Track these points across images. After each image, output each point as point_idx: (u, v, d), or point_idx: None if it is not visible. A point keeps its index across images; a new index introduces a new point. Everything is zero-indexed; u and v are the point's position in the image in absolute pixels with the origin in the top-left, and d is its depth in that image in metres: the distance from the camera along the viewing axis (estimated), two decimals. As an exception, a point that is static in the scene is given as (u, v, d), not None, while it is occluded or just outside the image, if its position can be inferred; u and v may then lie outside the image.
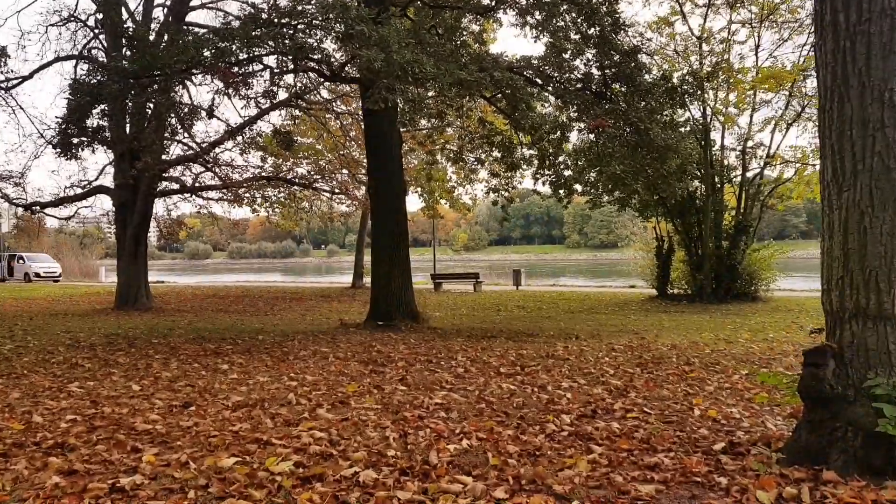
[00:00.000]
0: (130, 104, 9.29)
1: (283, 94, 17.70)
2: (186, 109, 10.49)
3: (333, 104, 22.03)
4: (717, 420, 4.32)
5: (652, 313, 15.00)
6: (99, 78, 8.98)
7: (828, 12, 3.15)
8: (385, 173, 11.68)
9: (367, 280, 18.32)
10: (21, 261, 39.42)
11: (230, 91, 9.11)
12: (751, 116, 17.64)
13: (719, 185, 17.80)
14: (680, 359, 7.16)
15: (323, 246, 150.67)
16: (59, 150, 9.89)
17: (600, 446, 3.68)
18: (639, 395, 5.25)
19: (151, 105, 11.51)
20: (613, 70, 11.12)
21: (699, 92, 10.67)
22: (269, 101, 9.04)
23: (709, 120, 16.27)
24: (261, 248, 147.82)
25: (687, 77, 10.78)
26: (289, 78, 13.52)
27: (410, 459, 3.46)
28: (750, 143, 17.67)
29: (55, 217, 26.00)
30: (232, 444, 3.83)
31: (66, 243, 71.99)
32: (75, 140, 9.60)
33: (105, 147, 15.48)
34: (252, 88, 9.32)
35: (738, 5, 16.84)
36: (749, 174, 17.78)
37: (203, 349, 8.50)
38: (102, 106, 9.59)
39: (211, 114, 11.26)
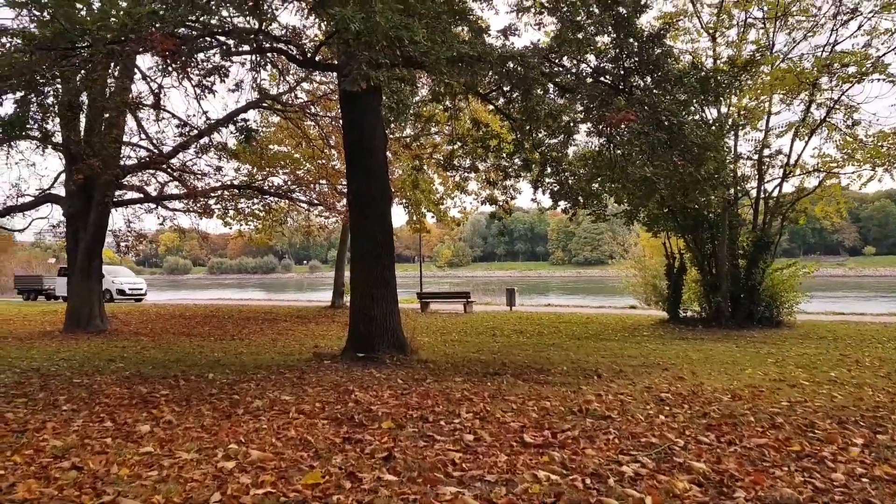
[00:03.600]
0: (45, 87, 7.34)
1: (255, 94, 16.09)
2: (125, 95, 8.64)
3: (312, 107, 20.21)
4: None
5: (669, 341, 13.28)
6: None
7: None
8: (367, 177, 9.88)
9: (348, 299, 16.53)
10: None
11: (172, 67, 7.28)
12: (767, 121, 16.13)
13: (734, 198, 16.23)
14: (758, 416, 5.40)
15: (305, 261, 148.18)
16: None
17: None
18: (748, 494, 3.47)
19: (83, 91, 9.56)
20: (634, 59, 9.47)
21: (736, 83, 9.04)
22: (219, 79, 7.20)
23: (725, 123, 14.71)
24: (241, 263, 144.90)
25: (722, 66, 9.15)
26: (260, 72, 11.78)
27: None
28: (767, 152, 16.13)
29: (4, 228, 23.95)
30: None
31: (37, 257, 69.03)
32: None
33: (40, 144, 13.55)
34: (202, 67, 7.51)
35: (748, 3, 15.40)
36: (768, 186, 16.22)
37: (131, 394, 6.60)
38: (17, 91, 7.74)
39: (157, 104, 9.46)
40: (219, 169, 15.94)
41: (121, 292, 32.99)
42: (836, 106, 14.83)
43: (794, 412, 5.57)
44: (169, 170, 18.56)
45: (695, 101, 8.48)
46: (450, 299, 23.65)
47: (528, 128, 11.13)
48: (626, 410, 5.62)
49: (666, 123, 8.41)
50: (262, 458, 4.11)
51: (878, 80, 13.50)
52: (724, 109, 15.07)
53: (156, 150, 16.16)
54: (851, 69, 13.49)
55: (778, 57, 14.48)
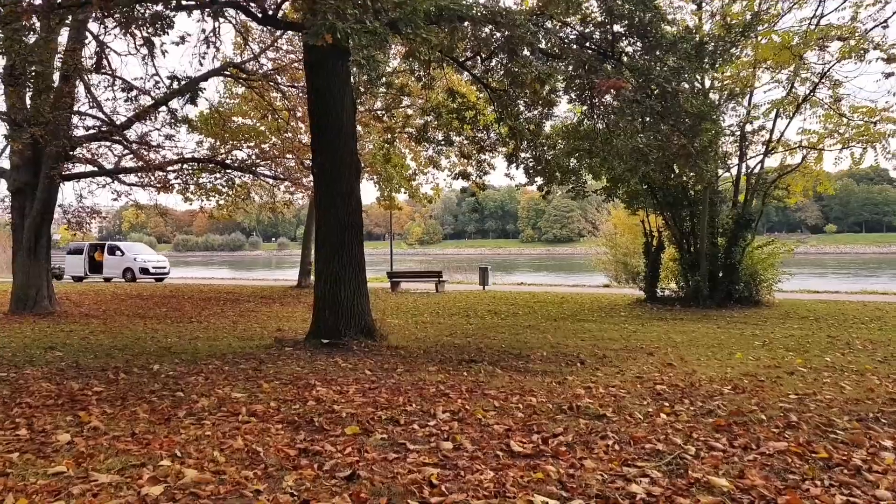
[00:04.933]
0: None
1: (216, 62, 15.04)
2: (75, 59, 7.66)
3: (278, 77, 19.13)
4: None
5: (648, 321, 12.82)
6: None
7: None
8: (333, 147, 9.06)
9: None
10: (118, 253, 30.82)
11: (114, 19, 6.37)
12: (750, 96, 15.63)
13: (716, 174, 15.76)
14: (768, 414, 4.84)
15: (274, 238, 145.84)
16: None
17: None
18: (788, 522, 2.87)
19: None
20: (624, 23, 8.77)
21: (734, 49, 8.42)
22: (163, 31, 6.30)
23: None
24: (208, 240, 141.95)
25: (719, 31, 8.51)
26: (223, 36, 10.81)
27: None
28: (749, 128, 15.65)
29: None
30: None
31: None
32: None
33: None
34: (145, 20, 6.59)
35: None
36: (750, 162, 15.78)
37: (59, 392, 5.79)
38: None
39: (99, 65, 8.50)
40: (169, 137, 14.84)
41: (144, 271, 30.04)
42: (823, 81, 14.37)
43: (807, 407, 5.03)
44: (124, 142, 17.40)
45: (690, 68, 7.82)
46: (421, 278, 22.97)
47: (507, 97, 10.42)
48: (622, 407, 5.02)
49: (657, 92, 7.77)
50: (197, 479, 3.39)
51: (879, 59, 13.07)
52: (707, 82, 14.51)
53: (107, 121, 15.01)
54: (851, 42, 12.99)
55: (770, 20, 13.88)
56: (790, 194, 15.93)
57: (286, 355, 8.05)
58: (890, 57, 13.88)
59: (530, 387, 5.93)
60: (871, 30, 13.89)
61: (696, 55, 8.25)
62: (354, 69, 10.49)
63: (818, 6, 14.53)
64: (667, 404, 5.11)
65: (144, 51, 8.30)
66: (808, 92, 14.64)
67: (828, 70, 14.02)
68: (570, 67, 8.76)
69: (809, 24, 14.59)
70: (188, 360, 7.84)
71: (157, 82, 7.88)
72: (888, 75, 14.01)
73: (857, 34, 13.68)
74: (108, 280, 30.43)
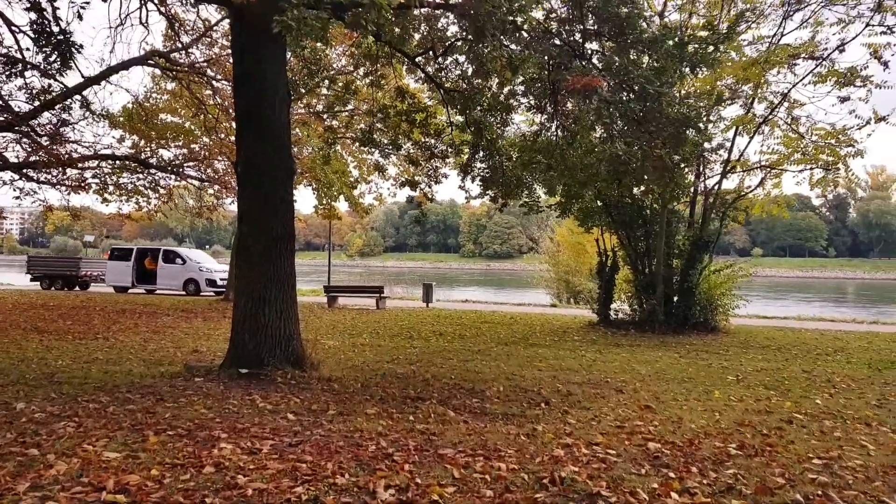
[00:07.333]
0: None
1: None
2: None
3: (209, 69, 17.52)
4: None
5: (605, 348, 11.90)
6: None
7: None
8: (263, 141, 7.72)
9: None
10: (178, 260, 25.79)
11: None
12: (708, 113, 15.08)
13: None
14: (799, 489, 3.82)
15: (208, 246, 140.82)
16: None
17: None
18: None
19: None
20: (593, 20, 7.81)
21: (717, 52, 7.60)
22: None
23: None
24: (138, 246, 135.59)
25: (699, 32, 7.68)
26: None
27: None
28: (708, 145, 15.07)
29: None
30: None
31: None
32: None
33: None
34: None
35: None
36: (709, 181, 15.22)
37: None
38: None
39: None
40: (65, 123, 13.06)
41: (211, 283, 25.18)
42: (784, 101, 13.92)
43: (842, 479, 4.04)
44: (31, 132, 15.42)
45: (672, 69, 6.90)
46: (360, 293, 21.59)
47: (463, 97, 9.34)
48: (617, 479, 3.90)
49: (637, 94, 6.82)
50: None
51: (859, 86, 12.70)
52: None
53: (2, 105, 13.11)
54: (824, 65, 12.59)
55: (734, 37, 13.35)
56: (749, 215, 15.43)
57: (193, 389, 6.64)
58: (847, 80, 13.56)
59: (494, 442, 4.76)
60: (832, 51, 13.56)
61: (678, 56, 7.37)
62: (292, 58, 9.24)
63: (780, 24, 14.08)
64: (672, 474, 4.03)
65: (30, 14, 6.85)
66: (767, 111, 14.17)
67: (790, 90, 13.58)
68: (535, 67, 7.76)
69: (770, 42, 14.20)
70: (69, 394, 6.34)
71: (46, 56, 6.37)
72: (843, 100, 13.69)
73: (817, 53, 13.33)
74: (150, 292, 25.82)
